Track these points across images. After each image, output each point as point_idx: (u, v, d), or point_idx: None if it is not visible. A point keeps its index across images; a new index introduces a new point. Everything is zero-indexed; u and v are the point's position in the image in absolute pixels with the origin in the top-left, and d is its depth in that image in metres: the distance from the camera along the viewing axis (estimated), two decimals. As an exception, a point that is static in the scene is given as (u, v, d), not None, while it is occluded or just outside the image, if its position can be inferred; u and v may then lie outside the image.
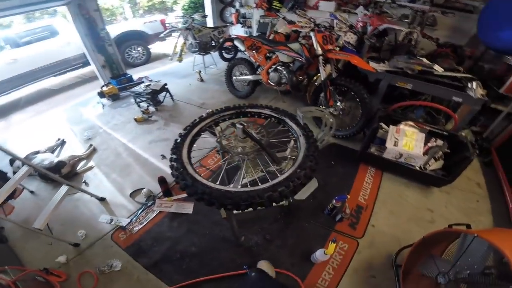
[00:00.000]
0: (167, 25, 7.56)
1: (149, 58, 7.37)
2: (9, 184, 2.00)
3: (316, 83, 3.63)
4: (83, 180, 3.09)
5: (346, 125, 3.48)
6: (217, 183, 1.51)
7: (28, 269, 1.95)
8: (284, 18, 4.42)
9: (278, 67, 3.66)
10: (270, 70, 3.77)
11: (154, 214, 2.58)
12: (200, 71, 5.68)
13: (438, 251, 1.82)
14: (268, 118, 2.13)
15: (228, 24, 7.21)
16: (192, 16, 5.65)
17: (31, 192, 2.92)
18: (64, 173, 3.02)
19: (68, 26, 5.48)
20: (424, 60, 3.14)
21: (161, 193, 2.78)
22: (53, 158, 3.16)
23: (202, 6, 8.34)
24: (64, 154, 3.41)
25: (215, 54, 6.02)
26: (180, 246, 2.30)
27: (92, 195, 2.72)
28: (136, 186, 2.92)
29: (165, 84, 4.62)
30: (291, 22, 3.62)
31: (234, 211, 1.72)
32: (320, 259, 2.05)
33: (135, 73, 5.82)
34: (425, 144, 2.71)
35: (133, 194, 2.85)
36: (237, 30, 7.15)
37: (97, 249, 2.33)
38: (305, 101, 4.02)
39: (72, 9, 4.56)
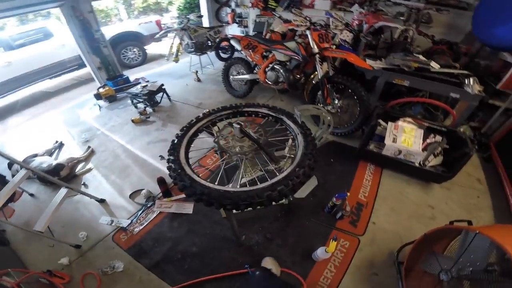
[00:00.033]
0: (162, 25, 7.54)
1: (145, 59, 7.34)
2: (8, 187, 2.00)
3: (314, 82, 3.63)
4: (82, 182, 3.08)
5: (344, 122, 3.50)
6: (216, 183, 1.51)
7: (32, 271, 1.97)
8: (280, 17, 4.42)
9: (275, 66, 3.66)
10: (267, 69, 3.77)
11: (154, 215, 2.58)
12: (197, 71, 5.68)
13: (440, 247, 1.81)
14: (265, 117, 2.13)
15: (224, 24, 7.18)
16: (188, 16, 5.64)
17: (31, 195, 2.92)
18: (63, 176, 3.01)
19: (62, 28, 5.44)
20: (421, 57, 3.15)
21: (161, 194, 2.78)
22: (51, 161, 3.15)
23: (197, 6, 8.32)
24: (62, 157, 3.40)
25: (211, 54, 6.00)
26: (181, 246, 2.30)
27: (91, 197, 2.72)
28: (136, 187, 2.91)
29: (162, 85, 4.61)
30: (287, 21, 3.63)
31: (234, 211, 1.73)
32: (322, 257, 2.05)
33: (132, 74, 5.81)
34: (424, 140, 2.72)
35: (132, 195, 2.84)
36: (233, 30, 7.13)
37: (99, 250, 2.33)
38: (302, 100, 4.02)
39: (65, 11, 4.53)
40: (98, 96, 4.76)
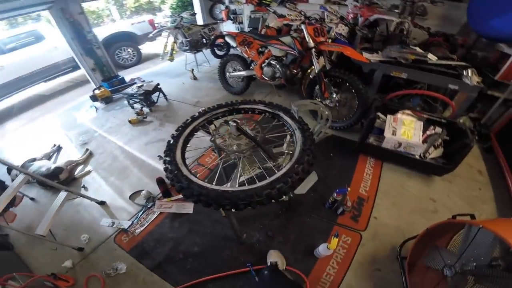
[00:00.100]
0: (156, 25, 7.49)
1: (140, 59, 7.29)
2: (7, 192, 2.01)
3: (311, 76, 3.61)
4: (81, 185, 3.07)
5: (343, 116, 3.49)
6: (214, 182, 1.49)
7: (36, 275, 1.98)
8: (274, 12, 4.38)
9: (271, 62, 3.63)
10: (263, 65, 3.74)
11: (155, 216, 2.57)
12: (192, 70, 5.64)
13: (443, 242, 1.80)
14: (262, 114, 2.11)
15: (218, 21, 7.14)
16: (181, 14, 5.60)
17: (32, 199, 2.92)
18: (62, 179, 3.01)
19: (54, 30, 5.37)
20: (417, 49, 3.14)
21: (160, 194, 2.77)
22: (50, 165, 3.13)
23: (190, 4, 8.25)
24: (61, 160, 3.38)
25: (207, 51, 5.96)
26: (182, 246, 2.29)
27: (91, 199, 2.71)
28: (135, 188, 2.90)
29: (158, 84, 4.58)
30: (281, 16, 3.60)
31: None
32: (324, 254, 2.05)
33: (127, 75, 5.78)
34: (424, 132, 2.71)
35: (132, 196, 2.83)
36: (228, 27, 7.10)
37: (101, 252, 2.33)
38: (300, 94, 4.01)
39: (54, 13, 4.47)
40: (94, 98, 4.73)
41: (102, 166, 3.33)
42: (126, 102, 4.58)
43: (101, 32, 6.24)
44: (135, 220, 2.55)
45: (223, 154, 1.84)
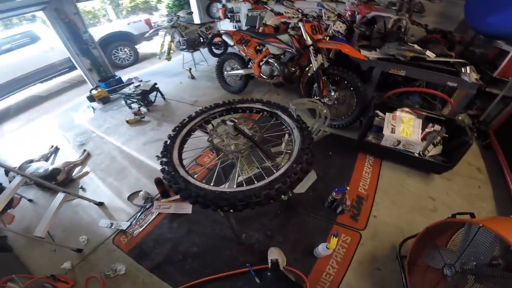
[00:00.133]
0: (152, 24, 7.46)
1: (137, 59, 7.27)
2: (5, 194, 2.01)
3: (309, 74, 3.60)
4: (79, 186, 3.05)
5: (341, 114, 3.47)
6: (212, 183, 1.48)
7: (36, 277, 1.98)
8: (271, 10, 4.38)
9: (269, 60, 3.62)
10: (261, 63, 3.73)
11: (153, 216, 2.56)
12: (190, 69, 5.62)
13: (443, 240, 1.78)
14: (260, 113, 2.09)
15: (215, 20, 7.11)
16: (177, 13, 5.57)
17: (30, 200, 2.90)
18: (60, 180, 2.99)
19: (49, 31, 5.31)
20: (416, 46, 3.12)
21: (159, 195, 2.75)
22: (47, 166, 3.12)
23: (187, 3, 8.23)
24: (59, 161, 3.36)
25: (204, 50, 5.93)
26: (181, 247, 2.28)
27: (90, 200, 2.70)
28: (133, 189, 2.88)
29: (155, 84, 4.56)
30: (278, 14, 3.58)
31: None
32: (323, 253, 2.04)
33: (124, 75, 5.75)
34: (423, 129, 2.70)
35: (130, 197, 2.82)
36: (225, 25, 7.07)
37: (100, 253, 2.32)
38: (299, 93, 3.99)
39: (49, 14, 4.44)
40: (91, 98, 4.70)
41: (100, 167, 3.31)
42: (123, 102, 4.55)
43: (97, 32, 6.24)
44: (134, 221, 2.53)
45: (221, 154, 1.82)
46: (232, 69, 4.42)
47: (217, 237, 2.33)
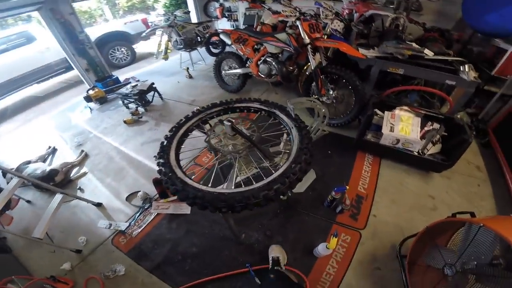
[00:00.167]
0: (149, 23, 7.43)
1: (134, 58, 7.23)
2: (2, 195, 2.00)
3: (307, 73, 3.59)
4: (78, 187, 3.03)
5: (340, 113, 3.47)
6: (210, 184, 1.46)
7: (36, 278, 1.97)
8: (269, 9, 4.36)
9: (267, 59, 3.61)
10: (259, 62, 3.72)
11: (152, 217, 2.55)
12: (188, 68, 5.61)
13: (443, 240, 1.78)
14: (258, 112, 2.07)
15: (213, 19, 7.09)
16: (174, 13, 5.55)
17: (28, 201, 2.89)
18: (58, 181, 2.97)
19: (45, 31, 5.26)
20: (414, 44, 3.12)
21: (157, 195, 2.73)
22: (45, 167, 3.10)
23: (184, 2, 8.20)
24: (56, 162, 3.35)
25: (202, 49, 5.92)
26: (181, 247, 2.27)
27: (88, 201, 2.68)
28: (132, 190, 2.87)
29: (153, 83, 4.53)
30: (276, 13, 3.57)
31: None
32: (323, 253, 2.03)
33: (121, 74, 5.73)
34: (422, 128, 2.70)
35: (129, 198, 2.80)
36: (223, 25, 7.05)
37: (100, 254, 2.31)
38: (297, 91, 3.98)
39: (44, 14, 4.40)
40: (88, 99, 4.68)
41: (98, 168, 3.30)
42: (120, 102, 4.53)
43: (94, 32, 6.19)
44: (132, 222, 2.52)
45: (219, 154, 1.81)
46: (230, 68, 4.41)
47: (216, 237, 2.32)
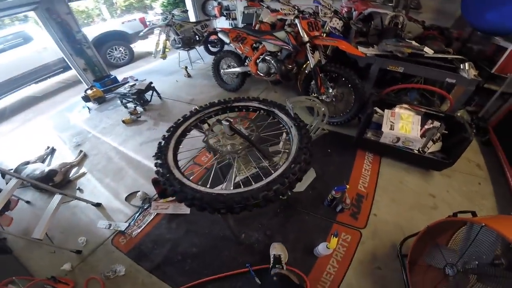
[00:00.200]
0: (147, 23, 7.40)
1: (132, 58, 7.21)
2: (1, 196, 1.99)
3: (306, 71, 3.58)
4: (77, 187, 3.02)
5: (340, 111, 3.46)
6: (209, 184, 1.45)
7: (36, 279, 1.98)
8: (268, 7, 4.35)
9: (266, 57, 3.59)
10: (258, 61, 3.71)
11: (152, 217, 2.54)
12: (186, 67, 5.59)
13: (444, 239, 1.77)
14: (257, 111, 2.06)
15: (211, 18, 7.07)
16: (172, 12, 5.52)
17: (27, 202, 2.88)
18: (57, 182, 2.96)
19: (42, 31, 5.24)
20: (413, 42, 3.11)
21: (156, 195, 2.72)
22: (44, 168, 3.08)
23: (182, 1, 8.18)
24: (55, 163, 3.33)
25: (200, 48, 5.91)
26: (180, 247, 2.27)
27: (87, 201, 2.67)
28: (131, 190, 2.86)
29: (151, 83, 4.51)
30: (275, 11, 3.55)
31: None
32: (323, 253, 2.02)
33: (120, 74, 5.71)
34: (422, 126, 2.69)
35: (128, 198, 2.79)
36: (221, 23, 7.04)
37: (100, 254, 2.30)
38: (296, 90, 3.97)
39: (40, 14, 4.37)
40: (86, 98, 4.65)
41: (97, 168, 3.28)
42: (119, 101, 4.52)
43: (92, 32, 6.20)
44: (132, 222, 2.51)
45: (218, 154, 1.80)
46: (229, 67, 4.39)
47: (216, 237, 2.31)
